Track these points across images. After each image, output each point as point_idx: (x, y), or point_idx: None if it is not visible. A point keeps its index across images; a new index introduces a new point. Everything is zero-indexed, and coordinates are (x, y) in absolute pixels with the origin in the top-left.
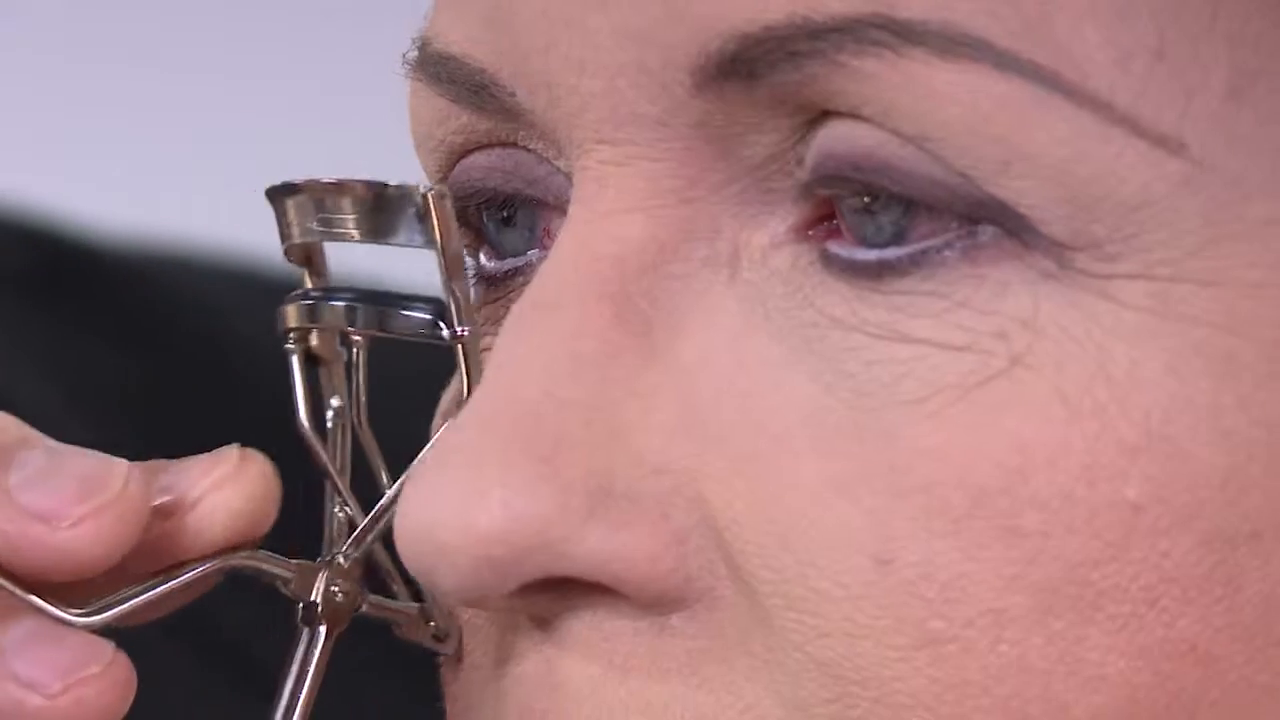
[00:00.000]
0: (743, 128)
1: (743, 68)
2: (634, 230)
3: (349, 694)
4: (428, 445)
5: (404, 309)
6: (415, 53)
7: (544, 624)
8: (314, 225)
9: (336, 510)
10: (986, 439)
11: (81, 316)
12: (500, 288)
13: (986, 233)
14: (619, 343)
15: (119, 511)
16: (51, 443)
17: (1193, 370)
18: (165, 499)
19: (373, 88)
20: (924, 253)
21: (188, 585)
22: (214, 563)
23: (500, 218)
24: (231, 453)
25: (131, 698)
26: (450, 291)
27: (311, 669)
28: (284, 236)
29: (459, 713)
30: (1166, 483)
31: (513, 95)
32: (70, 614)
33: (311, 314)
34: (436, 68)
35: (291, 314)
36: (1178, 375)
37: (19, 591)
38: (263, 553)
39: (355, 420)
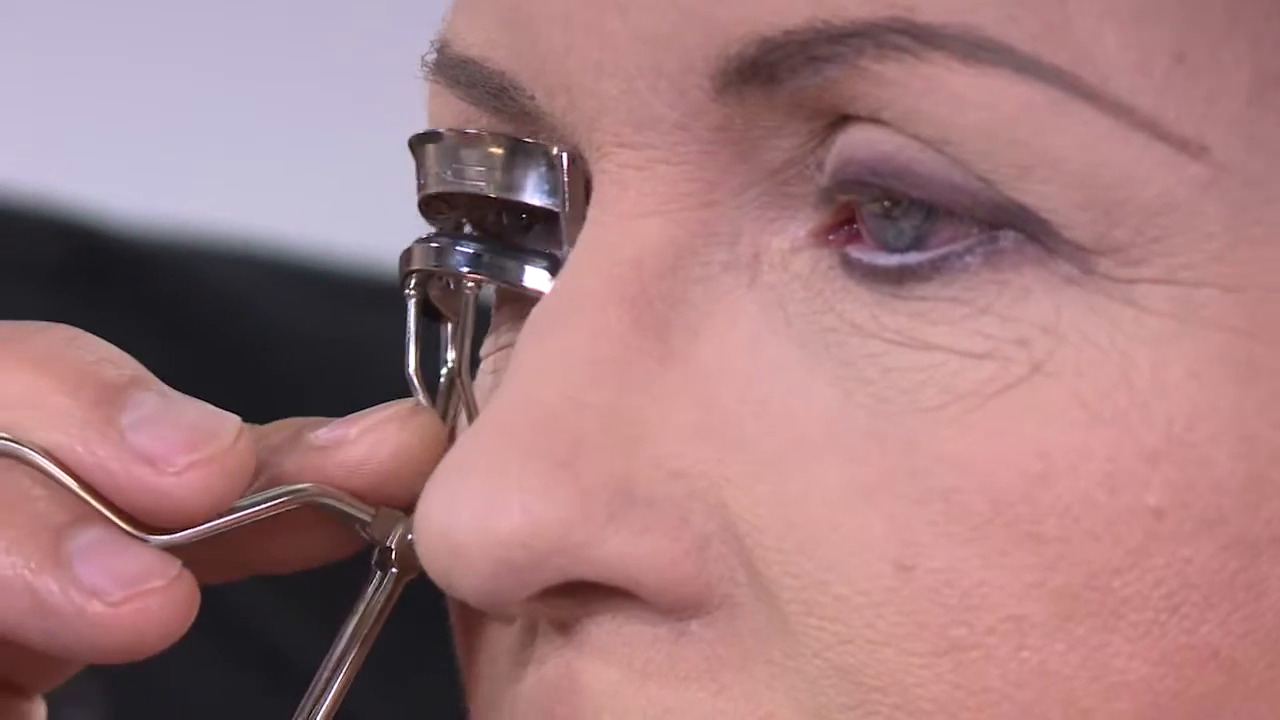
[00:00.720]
0: (762, 132)
1: (763, 72)
2: (653, 233)
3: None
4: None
5: (526, 261)
6: (434, 55)
7: (563, 628)
8: (448, 174)
9: None
10: (1007, 446)
11: (112, 306)
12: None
13: (1008, 238)
14: (638, 346)
15: (225, 465)
16: (165, 387)
17: (1215, 376)
18: (327, 433)
19: (405, 79)
20: (945, 258)
21: (263, 518)
22: (290, 494)
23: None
24: (405, 401)
25: (193, 617)
26: (569, 250)
27: (376, 611)
28: (420, 186)
29: (479, 715)
30: (1188, 489)
31: (532, 98)
32: (141, 533)
33: (438, 256)
34: (455, 70)
35: (416, 255)
36: (1200, 381)
37: (94, 502)
38: (341, 492)
39: (460, 372)
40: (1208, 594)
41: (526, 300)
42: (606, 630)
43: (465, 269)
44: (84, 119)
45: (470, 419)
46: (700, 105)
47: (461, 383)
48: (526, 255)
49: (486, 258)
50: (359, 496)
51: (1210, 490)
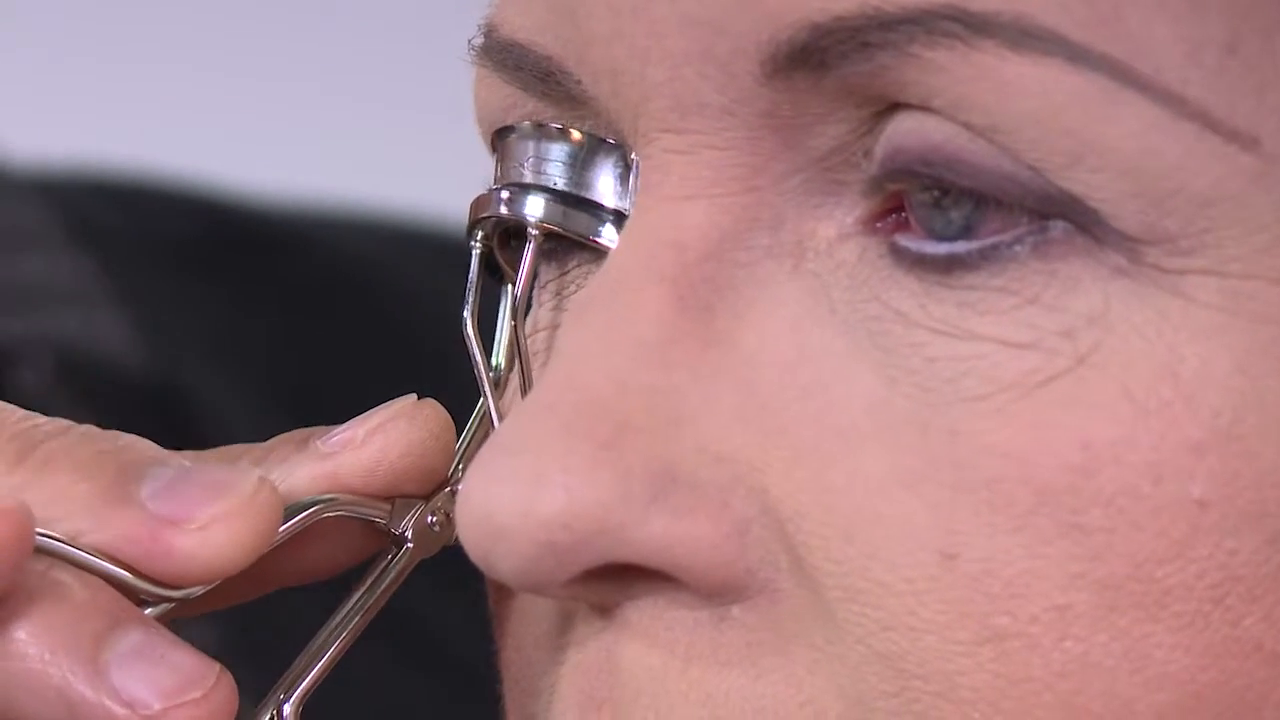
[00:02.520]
0: (811, 118)
1: (813, 58)
2: (697, 217)
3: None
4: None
5: (602, 219)
6: (481, 39)
7: (604, 612)
8: (525, 166)
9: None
10: (1051, 436)
11: (246, 283)
12: (564, 263)
13: (1057, 228)
14: (681, 328)
15: (248, 517)
16: (185, 459)
17: (1262, 369)
18: (335, 438)
19: None
20: (994, 247)
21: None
22: (306, 514)
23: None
24: (408, 397)
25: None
26: None
27: (384, 586)
28: (496, 177)
29: (517, 698)
30: (1233, 481)
31: (578, 83)
32: (165, 591)
33: (510, 204)
34: (502, 54)
35: (487, 201)
36: (1247, 374)
37: (113, 569)
38: (357, 496)
39: (516, 323)
40: (1252, 586)
41: (571, 275)
42: (647, 614)
43: (538, 217)
44: (215, 95)
45: (524, 375)
46: (748, 90)
47: (518, 338)
48: (601, 211)
49: (560, 208)
50: (376, 496)
51: (1255, 483)
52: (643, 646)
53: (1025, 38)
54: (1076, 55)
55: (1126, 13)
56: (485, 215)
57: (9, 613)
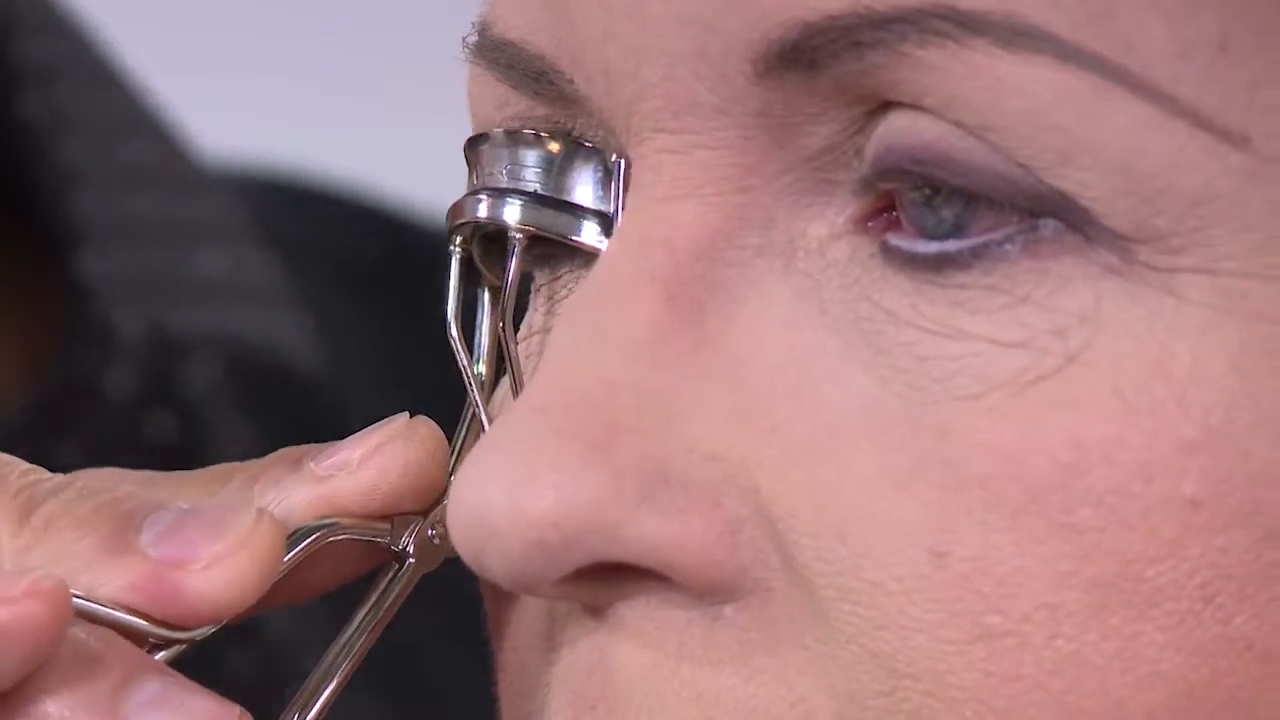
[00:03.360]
0: (803, 117)
1: (804, 57)
2: (688, 217)
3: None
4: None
5: (581, 217)
6: (475, 37)
7: (596, 611)
8: (501, 174)
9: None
10: (1041, 435)
11: (431, 302)
12: (556, 268)
13: (1048, 226)
14: (671, 327)
15: (250, 552)
16: (184, 503)
17: (1255, 368)
18: (330, 460)
19: None
20: (985, 246)
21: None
22: (310, 540)
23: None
24: (401, 416)
25: None
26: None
27: (389, 603)
28: (470, 179)
29: (511, 698)
30: (1225, 480)
31: (571, 82)
32: (176, 634)
33: (490, 209)
34: (495, 53)
35: (466, 207)
36: (1240, 372)
37: (125, 616)
38: (358, 519)
39: (501, 330)
40: (1243, 585)
41: (564, 279)
42: (639, 613)
43: (517, 220)
44: (401, 113)
45: (514, 377)
46: (741, 90)
47: (504, 338)
48: (580, 211)
49: (539, 211)
50: (375, 516)
51: (1247, 482)
52: (635, 646)
53: (1016, 36)
54: (1067, 53)
55: (1118, 11)
56: (463, 221)
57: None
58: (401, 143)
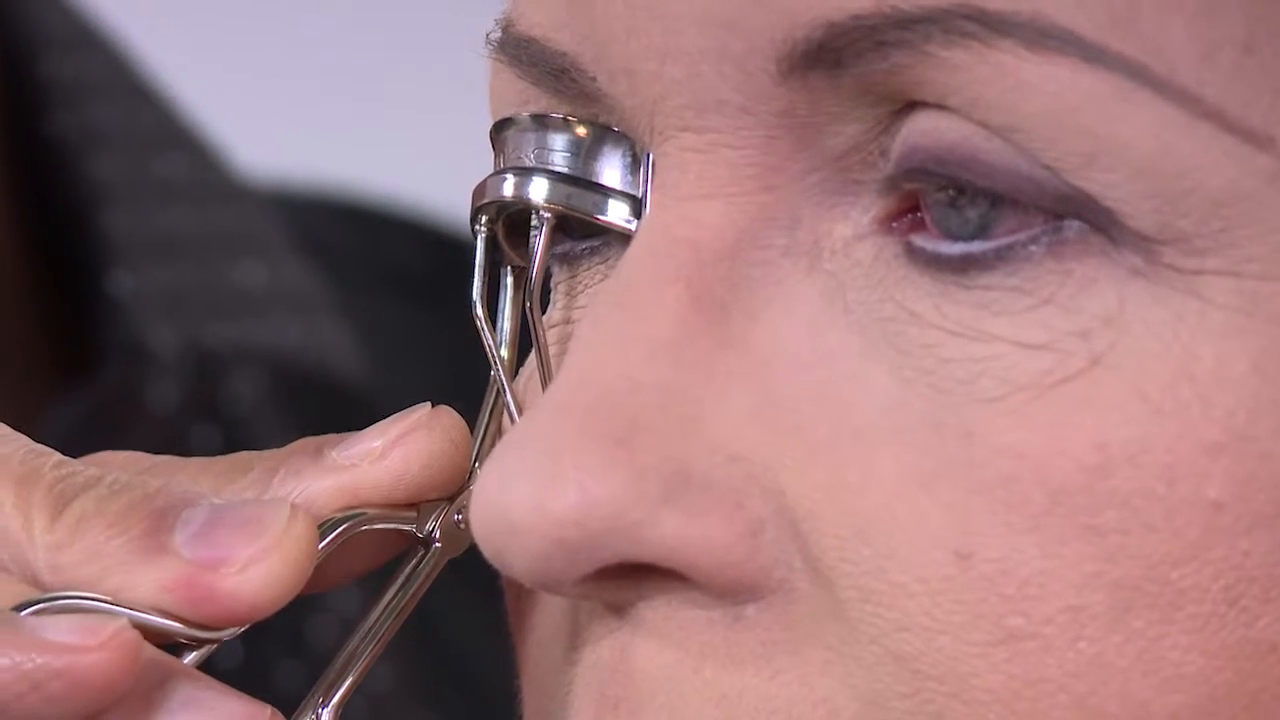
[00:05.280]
0: (827, 117)
1: (829, 56)
2: (713, 216)
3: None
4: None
5: (609, 196)
6: (498, 33)
7: (618, 610)
8: (529, 156)
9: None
10: (1065, 437)
11: (466, 319)
12: (575, 266)
13: (1072, 228)
14: (695, 327)
15: (285, 552)
16: (216, 498)
17: (1279, 369)
18: (353, 450)
19: None
20: (1009, 247)
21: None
22: (339, 532)
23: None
24: (423, 406)
25: None
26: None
27: (415, 587)
28: (496, 164)
29: (533, 696)
30: (1249, 482)
31: (593, 80)
32: (206, 634)
33: (515, 188)
34: (518, 50)
35: (490, 187)
36: (1264, 375)
37: (158, 620)
38: (385, 509)
39: (529, 308)
40: (1267, 587)
41: (583, 275)
42: (661, 613)
43: (544, 198)
44: (454, 128)
45: (541, 360)
46: (765, 89)
47: (532, 318)
48: (609, 191)
49: (565, 188)
50: (400, 505)
51: (1271, 484)
52: (657, 646)
53: (1042, 37)
54: (1092, 55)
55: (1143, 12)
56: (488, 200)
57: None
58: (444, 155)
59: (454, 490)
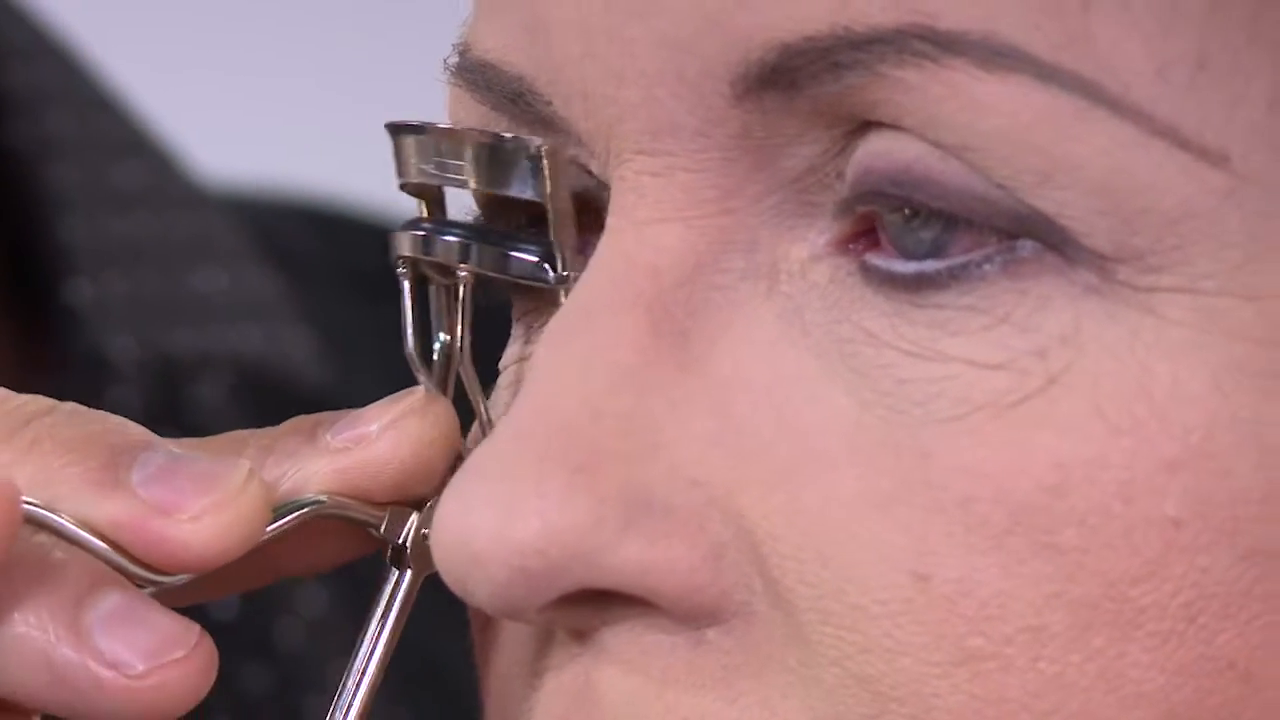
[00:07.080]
0: (783, 139)
1: (783, 78)
2: (671, 240)
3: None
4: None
5: (514, 249)
6: (455, 58)
7: (581, 636)
8: (429, 167)
9: None
10: (1023, 456)
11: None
12: (535, 296)
13: (1027, 247)
14: (655, 352)
15: (239, 508)
16: (175, 446)
17: (1236, 386)
18: (347, 433)
19: None
20: (964, 266)
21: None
22: (303, 511)
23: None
24: (417, 390)
25: (211, 682)
26: (557, 240)
27: (395, 610)
28: (400, 172)
29: None
30: (1207, 499)
31: (549, 104)
32: (153, 574)
33: (425, 246)
34: (474, 74)
35: (404, 242)
36: (1221, 391)
37: (103, 547)
38: (352, 500)
39: (459, 356)
40: (1225, 604)
41: (544, 308)
42: (624, 639)
43: (455, 259)
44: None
45: (475, 405)
46: (720, 112)
47: (462, 369)
48: (515, 243)
49: (474, 247)
50: (383, 495)
51: (1229, 501)
52: (619, 671)
53: (995, 56)
54: (1046, 74)
55: (1096, 30)
56: (403, 255)
57: None
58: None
59: (431, 489)
